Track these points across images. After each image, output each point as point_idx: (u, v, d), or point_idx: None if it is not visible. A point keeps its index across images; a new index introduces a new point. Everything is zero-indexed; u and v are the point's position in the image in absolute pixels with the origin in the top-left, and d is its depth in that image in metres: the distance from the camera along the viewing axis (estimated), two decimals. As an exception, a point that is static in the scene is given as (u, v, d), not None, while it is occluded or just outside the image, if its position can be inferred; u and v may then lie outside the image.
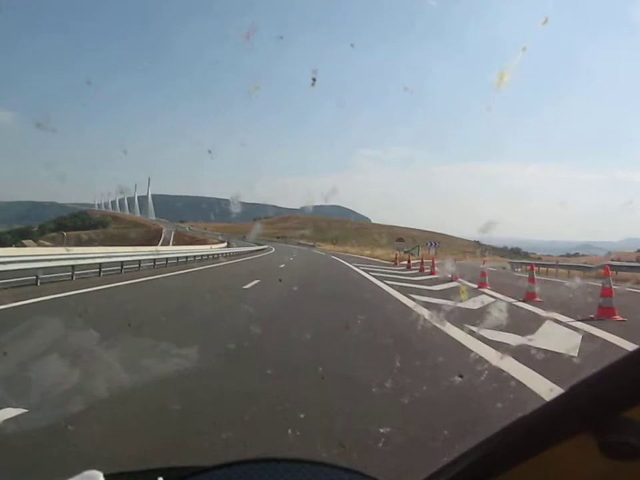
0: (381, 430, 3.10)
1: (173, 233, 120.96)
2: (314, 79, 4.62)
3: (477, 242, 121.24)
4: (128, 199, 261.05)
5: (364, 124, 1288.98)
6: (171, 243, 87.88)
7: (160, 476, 0.95)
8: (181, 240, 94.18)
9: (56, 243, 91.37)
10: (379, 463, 2.73)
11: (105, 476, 0.84)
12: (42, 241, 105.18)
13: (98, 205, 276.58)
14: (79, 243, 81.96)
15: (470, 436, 2.93)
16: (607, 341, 6.53)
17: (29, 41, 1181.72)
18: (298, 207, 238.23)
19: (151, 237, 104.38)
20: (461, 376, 4.31)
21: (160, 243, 77.96)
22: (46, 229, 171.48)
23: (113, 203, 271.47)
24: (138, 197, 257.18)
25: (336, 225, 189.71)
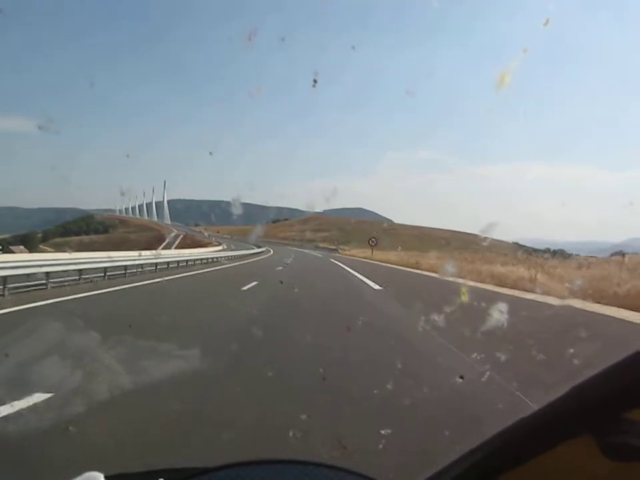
0: (382, 432, 3.35)
1: (181, 236, 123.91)
2: (315, 80, 4.86)
3: (516, 243, 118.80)
4: (147, 204, 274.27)
5: (391, 127, 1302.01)
6: (174, 247, 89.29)
7: (161, 477, 1.02)
8: (185, 244, 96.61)
9: (57, 248, 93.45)
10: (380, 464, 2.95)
11: (106, 477, 0.92)
12: (43, 247, 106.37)
13: (119, 210, 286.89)
14: (81, 247, 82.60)
15: (471, 436, 2.78)
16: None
17: (55, 52, 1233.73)
18: (320, 210, 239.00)
19: (155, 241, 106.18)
20: (461, 377, 4.65)
21: (161, 247, 79.56)
22: (49, 233, 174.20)
23: (134, 208, 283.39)
24: (157, 202, 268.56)
25: (361, 227, 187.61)
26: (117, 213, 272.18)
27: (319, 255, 54.40)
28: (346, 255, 61.54)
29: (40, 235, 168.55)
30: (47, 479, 2.73)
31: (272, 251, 59.24)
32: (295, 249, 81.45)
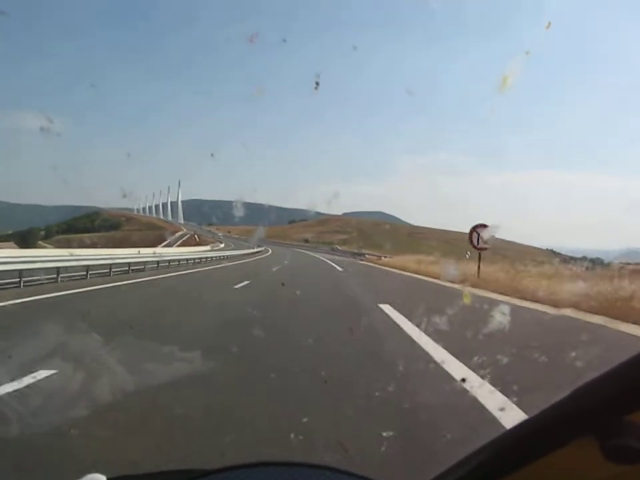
0: (384, 434, 3.43)
1: (187, 236, 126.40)
2: (317, 83, 4.87)
3: (551, 250, 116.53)
4: (162, 203, 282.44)
5: (409, 130, 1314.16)
6: (175, 246, 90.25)
7: (163, 479, 1.10)
8: (190, 242, 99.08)
9: (59, 245, 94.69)
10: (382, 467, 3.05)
11: (108, 479, 0.95)
12: (41, 243, 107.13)
13: (136, 209, 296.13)
14: (81, 245, 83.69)
15: (472, 439, 3.21)
16: None
17: (77, 51, 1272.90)
18: (340, 213, 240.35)
19: (159, 240, 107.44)
20: (463, 380, 4.73)
21: (161, 246, 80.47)
22: (52, 230, 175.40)
23: (150, 207, 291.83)
24: (173, 202, 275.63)
25: (382, 229, 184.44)
26: (135, 212, 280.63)
27: (339, 269, 31.40)
28: (383, 264, 39.67)
29: (43, 232, 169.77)
30: None
31: (270, 250, 59.94)
32: (304, 251, 74.03)
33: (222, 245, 59.61)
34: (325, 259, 48.37)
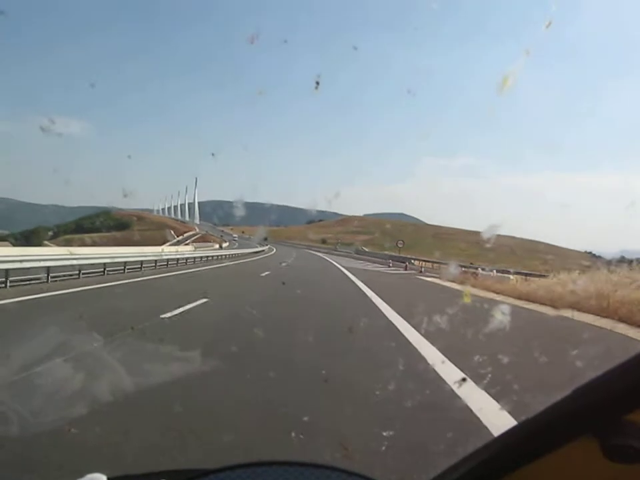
0: (384, 433, 3.70)
1: (198, 235, 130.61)
2: (317, 82, 4.95)
3: (590, 253, 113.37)
4: (181, 205, 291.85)
5: (430, 132, 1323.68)
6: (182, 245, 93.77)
7: (163, 478, 1.10)
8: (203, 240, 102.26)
9: (65, 244, 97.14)
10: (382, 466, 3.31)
11: (108, 479, 0.97)
12: (47, 243, 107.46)
13: (156, 210, 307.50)
14: (83, 245, 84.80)
15: (473, 438, 3.50)
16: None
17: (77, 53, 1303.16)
18: (361, 214, 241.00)
19: (165, 240, 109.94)
20: (464, 379, 5.24)
21: (167, 245, 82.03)
22: (61, 229, 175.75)
23: (169, 208, 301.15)
24: (197, 202, 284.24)
25: (406, 230, 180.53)
26: (155, 213, 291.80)
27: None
28: (503, 293, 19.34)
29: (50, 232, 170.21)
30: None
31: (274, 250, 60.59)
32: (315, 253, 65.83)
33: (226, 245, 63.50)
34: (350, 274, 28.18)
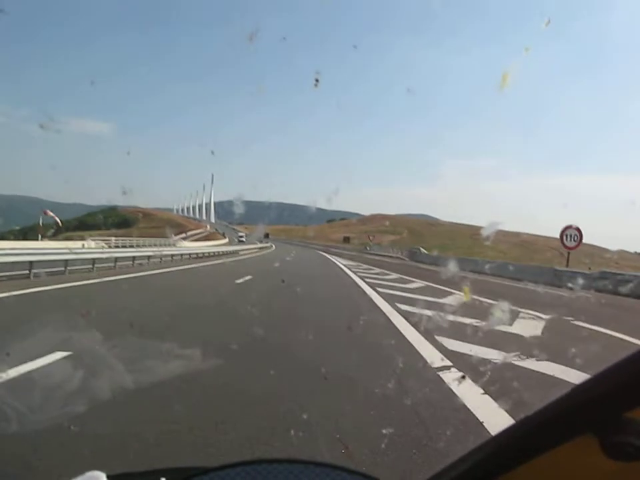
0: (384, 431, 3.67)
1: (205, 234, 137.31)
2: (317, 80, 5.14)
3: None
4: (199, 205, 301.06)
5: (453, 134, 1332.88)
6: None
7: (163, 476, 1.11)
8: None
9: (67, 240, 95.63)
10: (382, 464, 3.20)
11: (108, 476, 0.99)
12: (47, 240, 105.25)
13: (175, 209, 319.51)
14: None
15: (472, 436, 3.52)
16: None
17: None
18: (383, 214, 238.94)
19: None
20: (463, 377, 5.28)
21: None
22: (63, 226, 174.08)
23: (189, 208, 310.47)
24: (213, 201, 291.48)
25: (436, 231, 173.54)
26: (174, 212, 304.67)
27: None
28: None
29: (53, 229, 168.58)
30: (50, 479, 2.94)
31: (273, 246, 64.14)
32: (325, 256, 47.61)
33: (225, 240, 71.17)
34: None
